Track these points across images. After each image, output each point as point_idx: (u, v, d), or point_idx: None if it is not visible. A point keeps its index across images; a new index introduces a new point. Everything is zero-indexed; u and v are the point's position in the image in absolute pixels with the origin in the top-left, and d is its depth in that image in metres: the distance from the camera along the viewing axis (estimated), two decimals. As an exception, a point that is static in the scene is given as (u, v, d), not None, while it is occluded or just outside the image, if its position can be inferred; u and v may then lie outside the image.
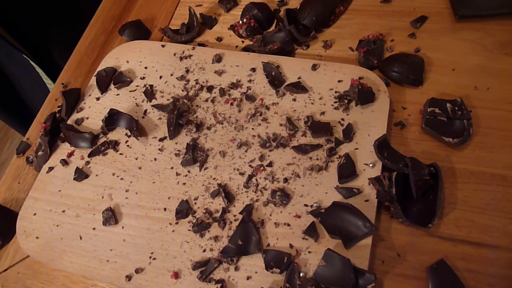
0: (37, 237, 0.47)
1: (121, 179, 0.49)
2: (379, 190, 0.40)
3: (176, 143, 0.50)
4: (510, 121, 0.44)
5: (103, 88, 0.57)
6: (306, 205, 0.43)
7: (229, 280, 0.41)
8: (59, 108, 0.57)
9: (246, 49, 0.57)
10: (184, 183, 0.47)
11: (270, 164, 0.46)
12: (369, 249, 0.39)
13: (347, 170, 0.43)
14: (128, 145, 0.51)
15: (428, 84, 0.49)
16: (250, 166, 0.46)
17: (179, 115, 0.50)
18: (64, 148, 0.53)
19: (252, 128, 0.49)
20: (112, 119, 0.52)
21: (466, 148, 0.44)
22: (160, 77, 0.56)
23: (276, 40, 0.54)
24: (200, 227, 0.43)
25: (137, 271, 0.43)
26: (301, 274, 0.39)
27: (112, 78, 0.57)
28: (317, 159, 0.45)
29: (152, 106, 0.54)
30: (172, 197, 0.46)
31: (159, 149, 0.50)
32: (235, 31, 0.58)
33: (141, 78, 0.57)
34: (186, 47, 0.57)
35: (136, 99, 0.55)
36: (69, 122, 0.55)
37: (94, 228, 0.46)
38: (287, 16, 0.55)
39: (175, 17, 0.65)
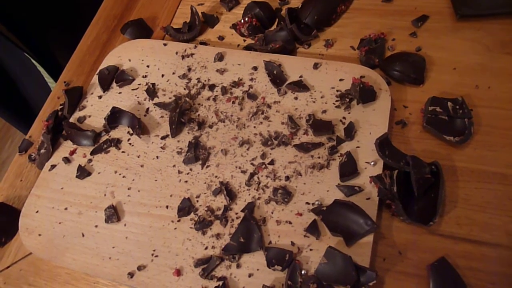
0: (39, 235, 0.47)
1: (123, 177, 0.49)
2: (380, 188, 0.41)
3: (178, 141, 0.50)
4: (511, 120, 0.44)
5: (105, 86, 0.57)
6: (307, 203, 0.43)
7: (231, 278, 0.41)
8: (61, 106, 0.57)
9: (247, 48, 0.57)
10: (186, 181, 0.47)
11: (272, 162, 0.46)
12: (370, 246, 0.39)
13: (349, 168, 0.43)
14: (130, 143, 0.51)
15: (429, 83, 0.49)
16: (252, 164, 0.47)
17: (181, 113, 0.51)
18: (66, 146, 0.53)
19: (254, 127, 0.49)
20: (114, 117, 0.52)
21: (467, 146, 0.44)
22: (162, 75, 0.56)
23: (278, 39, 0.55)
24: (202, 225, 0.44)
25: (139, 268, 0.43)
26: (302, 272, 0.39)
27: (114, 77, 0.57)
28: (319, 157, 0.45)
29: (154, 104, 0.54)
30: (174, 195, 0.46)
31: (161, 147, 0.50)
32: (237, 30, 0.59)
33: (143, 77, 0.57)
34: (188, 46, 0.58)
35: (138, 97, 0.55)
36: (71, 120, 0.55)
37: (96, 226, 0.46)
38: (289, 15, 0.55)
39: (177, 16, 0.65)
